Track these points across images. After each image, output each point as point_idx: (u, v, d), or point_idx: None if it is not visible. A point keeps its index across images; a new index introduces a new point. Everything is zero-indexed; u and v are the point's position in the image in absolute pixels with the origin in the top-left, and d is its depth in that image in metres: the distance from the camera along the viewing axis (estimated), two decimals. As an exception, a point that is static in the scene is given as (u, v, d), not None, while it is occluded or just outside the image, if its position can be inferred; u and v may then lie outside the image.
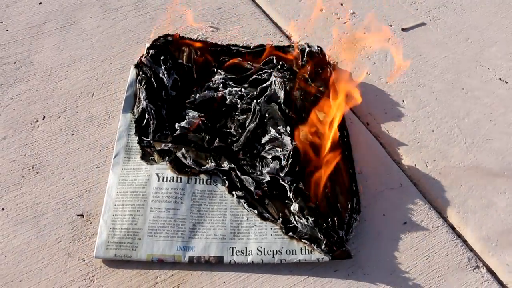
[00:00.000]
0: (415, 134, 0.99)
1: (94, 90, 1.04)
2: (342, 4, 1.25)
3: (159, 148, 0.89)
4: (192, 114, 0.92)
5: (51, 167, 0.91)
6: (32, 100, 1.02)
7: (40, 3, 1.21)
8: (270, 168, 0.85)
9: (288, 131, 0.88)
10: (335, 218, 0.82)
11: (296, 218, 0.81)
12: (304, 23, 1.20)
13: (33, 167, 0.91)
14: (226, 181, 0.86)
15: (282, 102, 0.92)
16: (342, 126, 0.95)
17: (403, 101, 1.05)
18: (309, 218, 0.80)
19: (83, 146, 0.95)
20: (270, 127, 0.89)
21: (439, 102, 1.05)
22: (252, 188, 0.84)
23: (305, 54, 1.02)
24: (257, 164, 0.87)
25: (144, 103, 0.93)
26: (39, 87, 1.04)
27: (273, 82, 0.95)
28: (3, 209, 0.86)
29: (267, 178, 0.85)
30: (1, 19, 1.17)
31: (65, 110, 1.00)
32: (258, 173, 0.86)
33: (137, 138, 0.91)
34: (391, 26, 1.20)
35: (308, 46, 1.03)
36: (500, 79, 1.11)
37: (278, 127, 0.89)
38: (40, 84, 1.05)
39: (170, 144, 0.89)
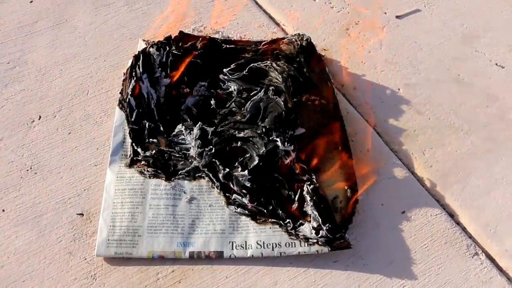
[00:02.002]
0: (412, 122, 0.99)
1: (89, 88, 1.04)
2: (336, -7, 1.24)
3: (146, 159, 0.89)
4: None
5: (49, 167, 0.91)
6: (27, 100, 1.01)
7: (31, 1, 1.20)
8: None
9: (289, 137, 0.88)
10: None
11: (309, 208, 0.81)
12: (297, 13, 1.19)
13: (31, 168, 0.91)
14: (222, 192, 0.85)
15: (285, 97, 0.91)
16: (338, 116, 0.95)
17: (399, 89, 1.05)
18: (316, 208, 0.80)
19: (80, 144, 0.95)
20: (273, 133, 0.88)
21: (435, 89, 1.05)
22: (246, 201, 0.84)
23: (297, 45, 1.01)
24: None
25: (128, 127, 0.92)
26: (33, 86, 1.04)
27: (272, 75, 0.95)
28: (3, 210, 0.86)
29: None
30: (-7, 18, 1.16)
31: (61, 109, 1.00)
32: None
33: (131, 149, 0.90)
34: (385, 13, 1.20)
35: (299, 37, 1.02)
36: (496, 64, 1.10)
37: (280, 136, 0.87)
38: (35, 83, 1.04)
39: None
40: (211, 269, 0.80)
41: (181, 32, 1.05)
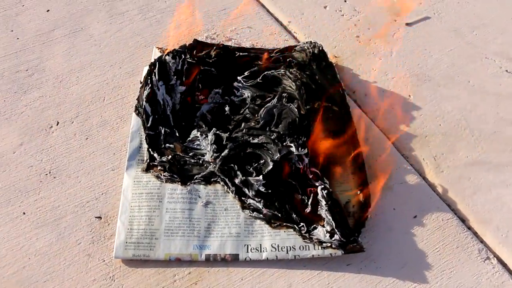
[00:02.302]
0: (422, 128, 1.01)
1: (105, 94, 1.06)
2: (345, 1, 1.26)
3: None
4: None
5: (67, 171, 0.94)
6: (45, 106, 1.04)
7: (48, 11, 1.23)
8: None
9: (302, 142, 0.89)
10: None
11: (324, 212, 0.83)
12: (308, 21, 1.21)
13: (50, 172, 0.94)
14: (237, 196, 0.87)
15: (298, 104, 0.93)
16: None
17: (409, 96, 1.06)
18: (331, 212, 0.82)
19: (97, 150, 0.97)
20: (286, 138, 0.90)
21: (446, 95, 1.06)
22: (260, 206, 0.85)
23: (309, 53, 1.03)
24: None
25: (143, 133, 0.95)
26: (51, 93, 1.06)
27: (286, 83, 0.97)
28: (24, 213, 0.88)
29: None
30: (12, 27, 1.19)
31: (78, 115, 1.03)
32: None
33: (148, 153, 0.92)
34: (395, 21, 1.21)
35: (311, 45, 1.04)
36: (506, 70, 1.12)
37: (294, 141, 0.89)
38: (53, 90, 1.07)
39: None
40: (227, 271, 0.81)
41: (195, 40, 1.07)
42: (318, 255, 0.81)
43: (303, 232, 0.82)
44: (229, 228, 0.84)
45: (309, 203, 0.85)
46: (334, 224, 0.81)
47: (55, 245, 0.84)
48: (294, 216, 0.84)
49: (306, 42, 1.05)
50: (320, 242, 0.81)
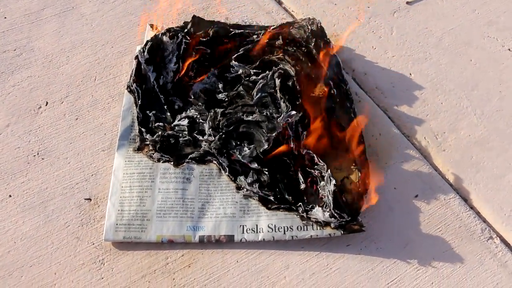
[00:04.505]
0: (423, 107, 0.98)
1: (96, 74, 1.02)
2: (344, -20, 1.22)
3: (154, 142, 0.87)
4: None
5: (56, 152, 0.90)
6: (34, 86, 1.00)
7: (37, -11, 1.19)
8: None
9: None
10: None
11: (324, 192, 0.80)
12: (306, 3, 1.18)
13: (38, 153, 0.90)
14: (231, 176, 0.84)
15: (293, 81, 0.90)
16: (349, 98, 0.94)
17: (410, 74, 1.03)
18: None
19: (88, 130, 0.93)
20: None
21: (447, 74, 1.03)
22: (255, 188, 0.82)
23: (308, 29, 0.99)
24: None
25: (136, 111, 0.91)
26: (40, 73, 1.03)
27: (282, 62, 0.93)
28: (10, 195, 0.85)
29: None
30: (-1, 6, 1.15)
31: (68, 95, 0.99)
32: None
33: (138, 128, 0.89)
34: (395, -1, 1.18)
35: (310, 22, 1.01)
36: (509, 49, 1.08)
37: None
38: (42, 70, 1.03)
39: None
40: (222, 253, 0.78)
41: (194, 17, 1.02)
42: (316, 236, 0.78)
43: (300, 211, 0.79)
44: (224, 209, 0.81)
45: (305, 182, 0.82)
46: (332, 202, 0.78)
47: (42, 229, 0.81)
48: (289, 197, 0.80)
49: (305, 19, 1.02)
50: (319, 222, 0.78)
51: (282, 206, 0.81)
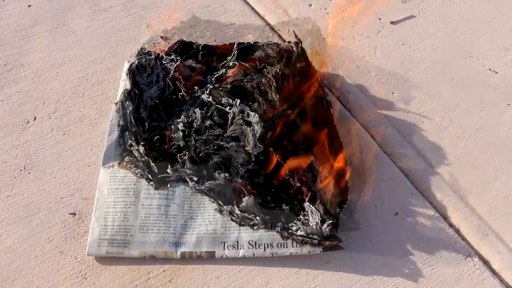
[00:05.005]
0: (405, 125, 1.00)
1: (84, 90, 1.04)
2: (331, -1, 1.25)
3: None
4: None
5: (42, 167, 0.92)
6: (23, 101, 1.02)
7: (29, 6, 1.21)
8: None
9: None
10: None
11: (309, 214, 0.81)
12: (293, 19, 1.20)
13: (24, 168, 0.91)
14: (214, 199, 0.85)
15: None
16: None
17: (393, 93, 1.05)
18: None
19: (74, 145, 0.95)
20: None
21: (429, 93, 1.06)
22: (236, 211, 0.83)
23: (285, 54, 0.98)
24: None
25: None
26: (29, 88, 1.04)
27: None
28: (-5, 209, 0.86)
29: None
30: (-9, 22, 1.17)
31: (56, 110, 1.00)
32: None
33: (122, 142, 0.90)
34: (380, 19, 1.21)
35: (289, 45, 1.01)
36: (490, 69, 1.11)
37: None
38: (31, 85, 1.05)
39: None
40: (203, 269, 0.79)
41: (180, 41, 1.04)
42: (296, 253, 0.79)
43: (279, 230, 0.80)
44: (206, 225, 0.82)
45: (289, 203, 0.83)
46: (318, 215, 0.79)
47: (26, 242, 0.82)
48: (270, 219, 0.82)
49: (289, 42, 1.03)
50: (299, 238, 0.79)
51: (263, 227, 0.82)
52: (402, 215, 0.87)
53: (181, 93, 0.95)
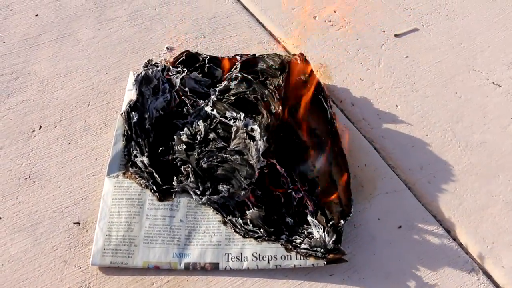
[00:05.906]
0: (409, 139, 1.00)
1: (90, 99, 1.05)
2: (335, 11, 1.26)
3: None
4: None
5: (47, 176, 0.92)
6: (28, 110, 1.03)
7: (36, 15, 1.22)
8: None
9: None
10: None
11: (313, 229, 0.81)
12: (297, 30, 1.21)
13: (29, 176, 0.92)
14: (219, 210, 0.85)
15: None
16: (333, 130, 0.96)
17: (396, 106, 1.06)
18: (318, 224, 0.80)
19: (80, 155, 0.95)
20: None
21: (433, 106, 1.06)
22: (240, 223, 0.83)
23: (288, 65, 0.99)
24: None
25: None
26: (35, 97, 1.05)
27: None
28: (0, 218, 0.86)
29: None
30: (-2, 31, 1.18)
31: (62, 119, 1.01)
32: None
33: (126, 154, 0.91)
34: (384, 32, 1.22)
35: (293, 57, 1.02)
36: (493, 83, 1.12)
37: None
38: (37, 94, 1.05)
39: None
40: (206, 280, 0.79)
41: (187, 53, 1.05)
42: (300, 265, 0.79)
43: (283, 242, 0.80)
44: (210, 236, 0.82)
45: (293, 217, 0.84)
46: (321, 229, 0.79)
47: (30, 251, 0.82)
48: (273, 231, 0.82)
49: (293, 54, 1.04)
50: (303, 251, 0.79)
51: (267, 239, 0.82)
52: (405, 228, 0.87)
53: (186, 107, 0.95)
